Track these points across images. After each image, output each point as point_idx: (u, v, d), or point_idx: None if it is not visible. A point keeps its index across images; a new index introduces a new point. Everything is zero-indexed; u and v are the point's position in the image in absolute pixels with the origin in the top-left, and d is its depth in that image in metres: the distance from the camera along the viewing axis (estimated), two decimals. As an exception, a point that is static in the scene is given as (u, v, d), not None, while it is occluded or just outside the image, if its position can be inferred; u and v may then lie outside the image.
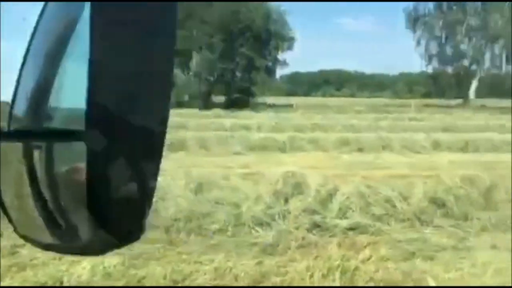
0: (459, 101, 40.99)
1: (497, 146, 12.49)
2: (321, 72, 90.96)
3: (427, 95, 53.71)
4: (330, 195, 5.11)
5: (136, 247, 4.25)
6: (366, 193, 5.20)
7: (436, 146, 12.45)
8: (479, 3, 38.61)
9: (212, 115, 21.40)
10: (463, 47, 41.12)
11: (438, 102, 40.61)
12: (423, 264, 3.97)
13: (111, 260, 3.78)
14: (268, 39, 31.75)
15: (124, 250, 4.19)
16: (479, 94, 41.64)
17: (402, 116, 24.85)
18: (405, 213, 5.05)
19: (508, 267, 3.80)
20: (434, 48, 42.64)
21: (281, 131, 15.27)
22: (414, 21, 43.14)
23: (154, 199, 0.47)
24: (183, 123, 16.66)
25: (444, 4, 40.32)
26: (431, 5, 41.77)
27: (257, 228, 4.63)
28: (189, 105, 27.56)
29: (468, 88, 41.28)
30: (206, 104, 28.50)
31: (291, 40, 34.01)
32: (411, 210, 5.10)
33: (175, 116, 20.46)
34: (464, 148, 12.35)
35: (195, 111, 23.84)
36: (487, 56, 41.26)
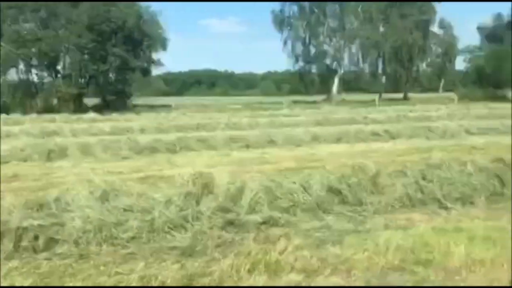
0: (324, 96, 44.40)
1: (366, 137, 13.84)
2: (193, 72, 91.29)
3: (294, 92, 56.97)
4: (239, 192, 5.24)
5: (43, 265, 3.93)
6: (272, 187, 5.44)
7: (315, 139, 13.34)
8: (337, 7, 42.16)
9: (88, 119, 20.22)
10: (325, 47, 44.60)
11: (305, 98, 43.47)
12: (334, 249, 4.29)
13: (22, 281, 3.46)
14: (141, 39, 30.89)
15: (29, 268, 3.85)
16: (340, 89, 45.46)
17: (276, 112, 26.15)
18: (308, 203, 5.39)
19: (405, 243, 4.31)
20: (299, 48, 45.53)
21: (166, 132, 15.10)
22: (280, 23, 45.53)
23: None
24: (56, 129, 15.51)
25: (307, 6, 43.23)
26: (295, 7, 44.46)
27: (172, 232, 4.57)
28: (58, 109, 25.63)
29: (330, 85, 44.84)
30: (79, 108, 26.79)
31: (164, 40, 33.63)
32: (313, 200, 5.46)
33: (46, 121, 18.92)
34: (339, 139, 13.44)
35: (66, 115, 22.25)
36: (346, 55, 45.36)
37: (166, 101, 37.39)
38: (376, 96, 41.17)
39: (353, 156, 9.94)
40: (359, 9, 41.65)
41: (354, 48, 45.15)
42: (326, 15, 43.19)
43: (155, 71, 37.01)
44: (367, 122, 18.61)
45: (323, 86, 46.50)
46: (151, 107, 31.38)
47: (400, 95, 47.87)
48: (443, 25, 51.80)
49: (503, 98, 38.37)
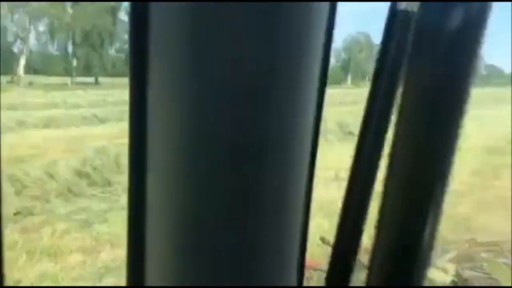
0: (8, 78, 39.78)
1: (76, 121, 13.62)
2: None
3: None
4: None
5: None
6: (17, 176, 5.11)
7: (20, 124, 12.31)
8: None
9: None
10: (6, 22, 39.72)
11: (-16, 80, 37.97)
12: (102, 227, 4.52)
13: None
14: None
15: None
16: (27, 71, 41.61)
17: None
18: (58, 189, 5.33)
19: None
20: (-28, 20, 39.06)
21: None
22: None
23: None
24: None
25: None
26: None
27: None
28: None
29: (15, 66, 40.49)
30: None
31: None
32: (62, 186, 5.42)
33: None
34: (48, 124, 12.80)
35: None
36: (33, 34, 41.59)
37: None
38: (68, 80, 39.64)
39: (73, 141, 9.82)
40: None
41: (41, 27, 41.91)
42: (5, -13, 38.46)
43: None
44: (68, 107, 18.07)
45: (5, 66, 41.55)
46: None
47: (92, 79, 47.50)
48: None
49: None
